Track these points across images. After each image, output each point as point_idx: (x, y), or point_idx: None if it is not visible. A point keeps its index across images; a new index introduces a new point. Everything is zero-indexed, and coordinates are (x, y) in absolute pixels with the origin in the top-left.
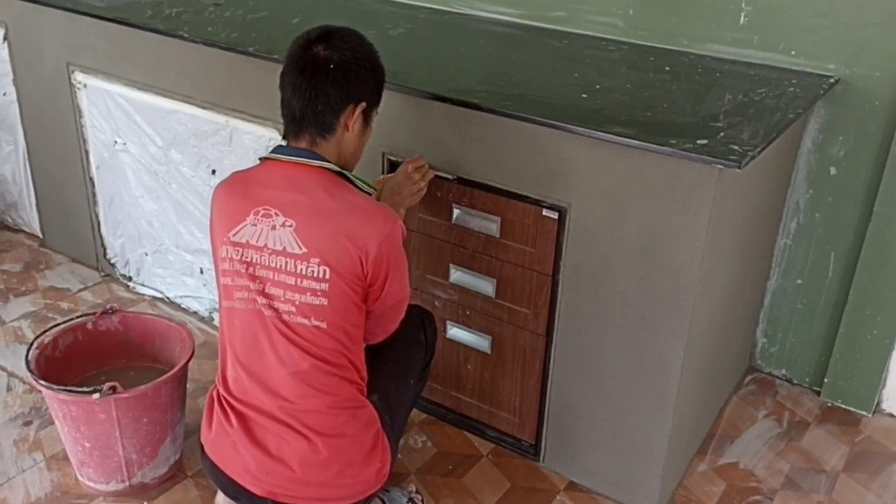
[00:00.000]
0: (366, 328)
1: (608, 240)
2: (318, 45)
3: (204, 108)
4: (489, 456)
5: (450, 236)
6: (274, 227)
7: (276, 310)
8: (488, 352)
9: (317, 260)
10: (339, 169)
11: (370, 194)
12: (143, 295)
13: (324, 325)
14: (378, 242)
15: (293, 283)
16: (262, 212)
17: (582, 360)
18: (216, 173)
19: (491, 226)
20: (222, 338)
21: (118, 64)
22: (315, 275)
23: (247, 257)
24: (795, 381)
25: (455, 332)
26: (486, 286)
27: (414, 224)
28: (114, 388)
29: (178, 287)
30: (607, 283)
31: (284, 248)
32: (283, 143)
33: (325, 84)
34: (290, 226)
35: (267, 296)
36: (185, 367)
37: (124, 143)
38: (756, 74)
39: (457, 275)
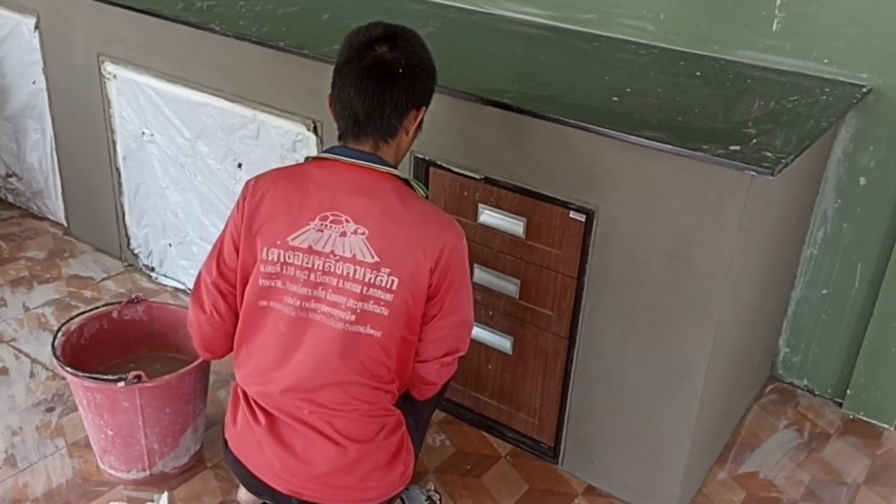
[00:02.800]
0: (420, 370)
1: (636, 244)
2: (381, 45)
3: (232, 101)
4: (507, 457)
5: (475, 236)
6: (344, 234)
7: (332, 317)
8: (510, 353)
9: (387, 270)
10: (404, 176)
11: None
12: (166, 286)
13: (378, 335)
14: (448, 252)
15: (359, 291)
16: (331, 217)
17: (604, 364)
18: (242, 167)
19: (517, 226)
20: (248, 336)
21: (148, 55)
22: (384, 284)
23: (308, 263)
24: (817, 392)
25: (477, 332)
26: (510, 287)
27: None
28: (139, 378)
29: None
30: (633, 287)
31: (354, 255)
32: (339, 143)
33: (392, 88)
34: (363, 234)
35: (326, 303)
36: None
37: (152, 135)
38: (788, 82)
39: (480, 274)
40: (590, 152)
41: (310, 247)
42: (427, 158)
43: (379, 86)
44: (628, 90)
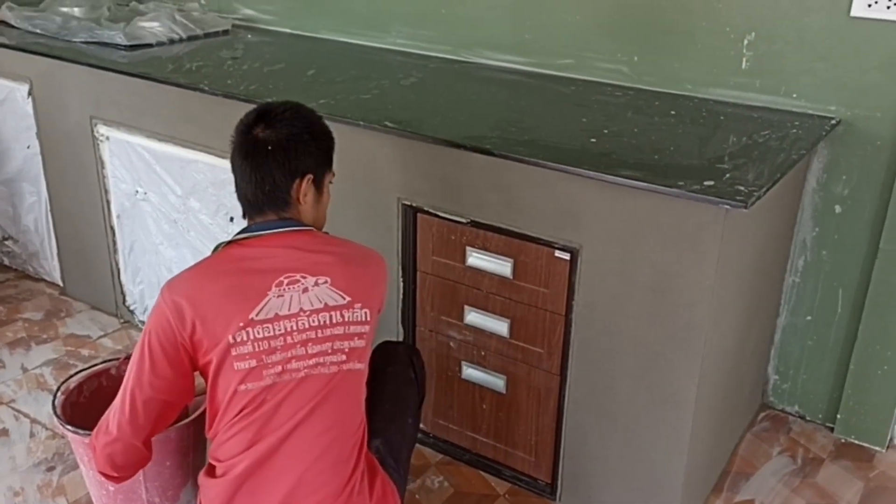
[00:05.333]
0: None
1: (619, 279)
2: (256, 126)
3: (223, 157)
4: (506, 496)
5: (464, 278)
6: (306, 290)
7: (321, 365)
8: (503, 391)
9: (359, 304)
10: (316, 229)
11: None
12: None
13: (363, 367)
14: (386, 280)
15: (342, 332)
16: (286, 281)
17: (596, 398)
18: (234, 220)
19: (504, 267)
20: (228, 422)
21: (140, 117)
22: (360, 318)
23: (279, 329)
24: (808, 418)
25: (470, 373)
26: (501, 327)
27: (428, 266)
28: None
29: None
30: (619, 321)
31: (325, 304)
32: (247, 224)
33: (267, 166)
34: (325, 282)
35: (308, 356)
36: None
37: (145, 193)
38: (759, 117)
39: (471, 316)
40: (571, 192)
41: (276, 315)
42: (414, 205)
43: (254, 166)
44: (606, 131)
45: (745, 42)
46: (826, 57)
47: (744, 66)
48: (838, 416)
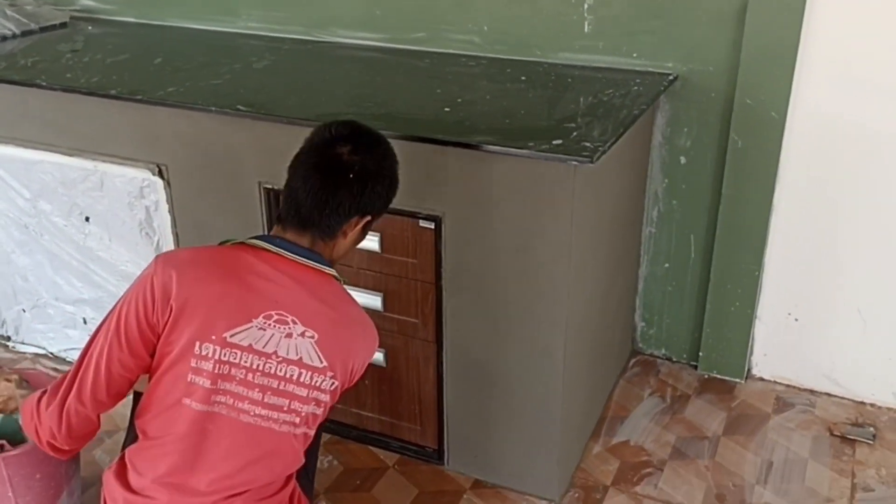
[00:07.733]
0: None
1: (483, 243)
2: (343, 145)
3: (70, 155)
4: (395, 466)
5: None
6: (290, 335)
7: (270, 419)
8: (383, 365)
9: (332, 374)
10: (337, 275)
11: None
12: (25, 353)
13: (311, 432)
14: (369, 358)
15: (304, 394)
16: (275, 317)
17: (473, 361)
18: (90, 220)
19: (372, 242)
20: (160, 434)
21: None
22: (326, 387)
23: (247, 362)
24: (675, 359)
25: None
26: (375, 301)
27: None
28: (1, 447)
29: (61, 341)
30: (487, 283)
31: (301, 357)
32: (276, 228)
33: (340, 191)
34: (312, 337)
35: (263, 405)
36: None
37: None
38: (604, 77)
39: None
40: (428, 162)
41: (250, 345)
42: (276, 188)
43: (325, 184)
44: (459, 100)
45: (586, 6)
46: (660, 15)
47: (586, 29)
48: (700, 354)
